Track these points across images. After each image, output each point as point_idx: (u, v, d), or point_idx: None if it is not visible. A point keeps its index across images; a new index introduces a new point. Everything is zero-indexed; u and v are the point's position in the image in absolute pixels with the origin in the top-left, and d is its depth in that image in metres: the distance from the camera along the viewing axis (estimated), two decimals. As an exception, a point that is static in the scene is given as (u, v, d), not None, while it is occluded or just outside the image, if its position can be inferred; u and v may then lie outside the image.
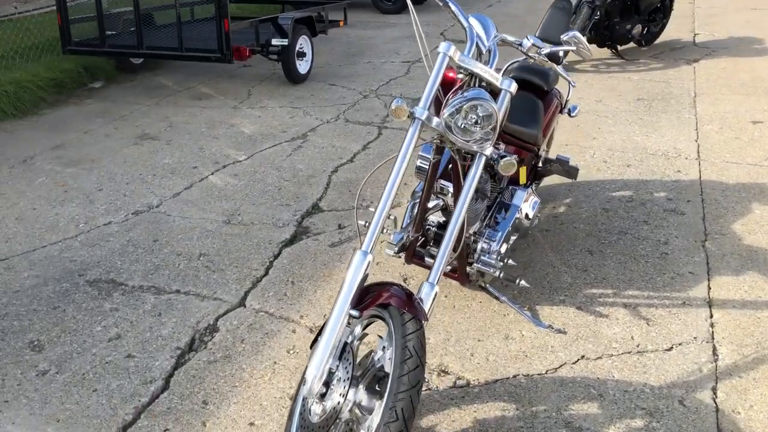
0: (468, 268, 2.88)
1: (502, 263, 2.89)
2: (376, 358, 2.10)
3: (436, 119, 2.22)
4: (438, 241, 2.95)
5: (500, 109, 2.28)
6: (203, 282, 3.29)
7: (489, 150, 2.27)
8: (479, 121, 2.19)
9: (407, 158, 2.19)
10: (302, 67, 6.84)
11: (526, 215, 3.13)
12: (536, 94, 3.40)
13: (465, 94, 2.19)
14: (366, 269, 2.08)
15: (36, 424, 2.41)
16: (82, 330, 2.93)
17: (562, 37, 2.62)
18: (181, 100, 6.40)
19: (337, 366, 2.02)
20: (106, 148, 5.18)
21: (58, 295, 3.19)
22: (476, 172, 2.28)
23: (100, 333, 2.91)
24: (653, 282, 3.21)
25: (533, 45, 2.51)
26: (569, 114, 3.73)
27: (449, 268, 2.90)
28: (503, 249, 2.93)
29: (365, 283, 2.09)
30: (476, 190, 2.79)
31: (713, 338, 2.80)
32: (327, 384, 1.99)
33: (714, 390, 2.51)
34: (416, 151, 2.25)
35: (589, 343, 2.79)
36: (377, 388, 2.04)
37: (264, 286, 3.25)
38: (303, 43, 6.84)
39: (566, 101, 3.67)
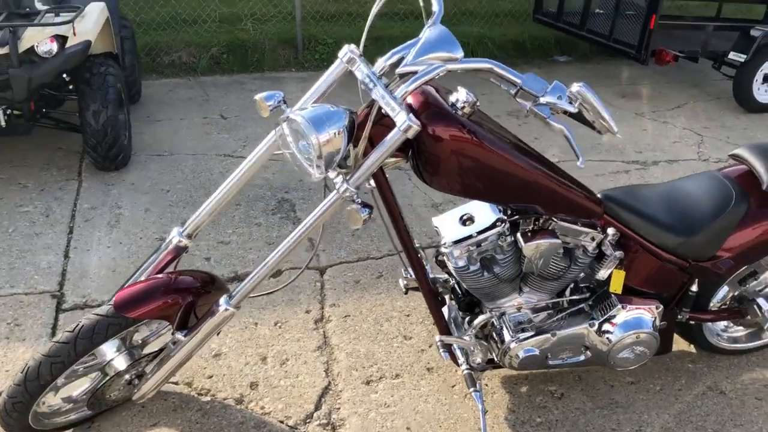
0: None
1: (480, 357, 2.17)
2: None
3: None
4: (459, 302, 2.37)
5: (383, 147, 1.73)
6: (334, 239, 3.38)
7: (344, 187, 1.77)
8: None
9: (251, 164, 1.94)
10: (762, 94, 5.50)
11: (601, 331, 2.20)
12: (744, 189, 2.24)
13: (303, 110, 1.74)
14: (176, 245, 1.99)
15: (105, 257, 3.10)
16: (222, 225, 3.46)
17: (570, 89, 1.69)
18: (603, 93, 5.97)
19: None
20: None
21: (253, 198, 3.77)
22: (325, 207, 1.82)
23: (223, 235, 3.38)
24: None
25: (522, 89, 1.72)
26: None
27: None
28: (520, 351, 2.17)
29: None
30: (483, 258, 2.14)
31: None
32: None
33: None
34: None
35: None
36: None
37: (362, 267, 3.15)
38: (778, 66, 5.46)
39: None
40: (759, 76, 5.40)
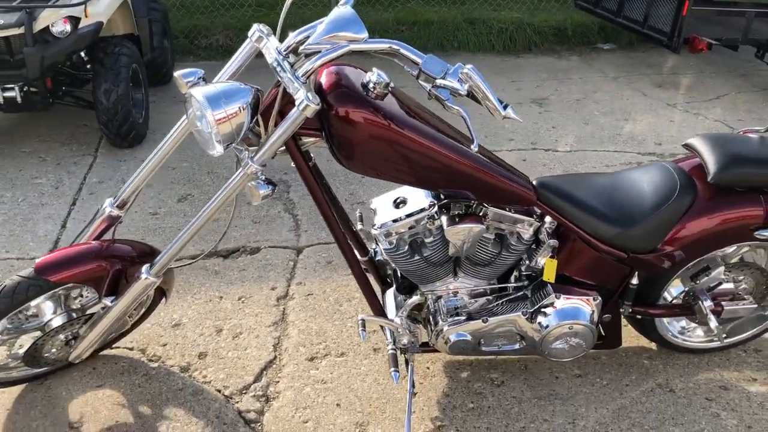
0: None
1: (406, 339, 2.18)
2: None
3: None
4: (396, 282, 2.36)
5: (284, 126, 1.77)
6: (318, 220, 3.44)
7: (248, 164, 1.82)
8: None
9: (170, 140, 2.02)
10: (808, 86, 5.18)
11: (533, 320, 2.18)
12: (691, 181, 2.16)
13: (203, 85, 1.79)
14: (109, 214, 2.09)
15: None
16: (214, 204, 3.57)
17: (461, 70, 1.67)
18: (639, 82, 5.78)
19: None
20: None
21: (251, 178, 3.86)
22: (233, 182, 1.88)
23: (215, 212, 3.49)
24: None
25: (422, 72, 1.71)
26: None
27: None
28: (451, 335, 2.17)
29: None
30: (413, 241, 2.14)
31: None
32: None
33: None
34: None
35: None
36: None
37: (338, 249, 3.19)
38: (829, 56, 5.14)
39: None
40: (805, 67, 5.10)
